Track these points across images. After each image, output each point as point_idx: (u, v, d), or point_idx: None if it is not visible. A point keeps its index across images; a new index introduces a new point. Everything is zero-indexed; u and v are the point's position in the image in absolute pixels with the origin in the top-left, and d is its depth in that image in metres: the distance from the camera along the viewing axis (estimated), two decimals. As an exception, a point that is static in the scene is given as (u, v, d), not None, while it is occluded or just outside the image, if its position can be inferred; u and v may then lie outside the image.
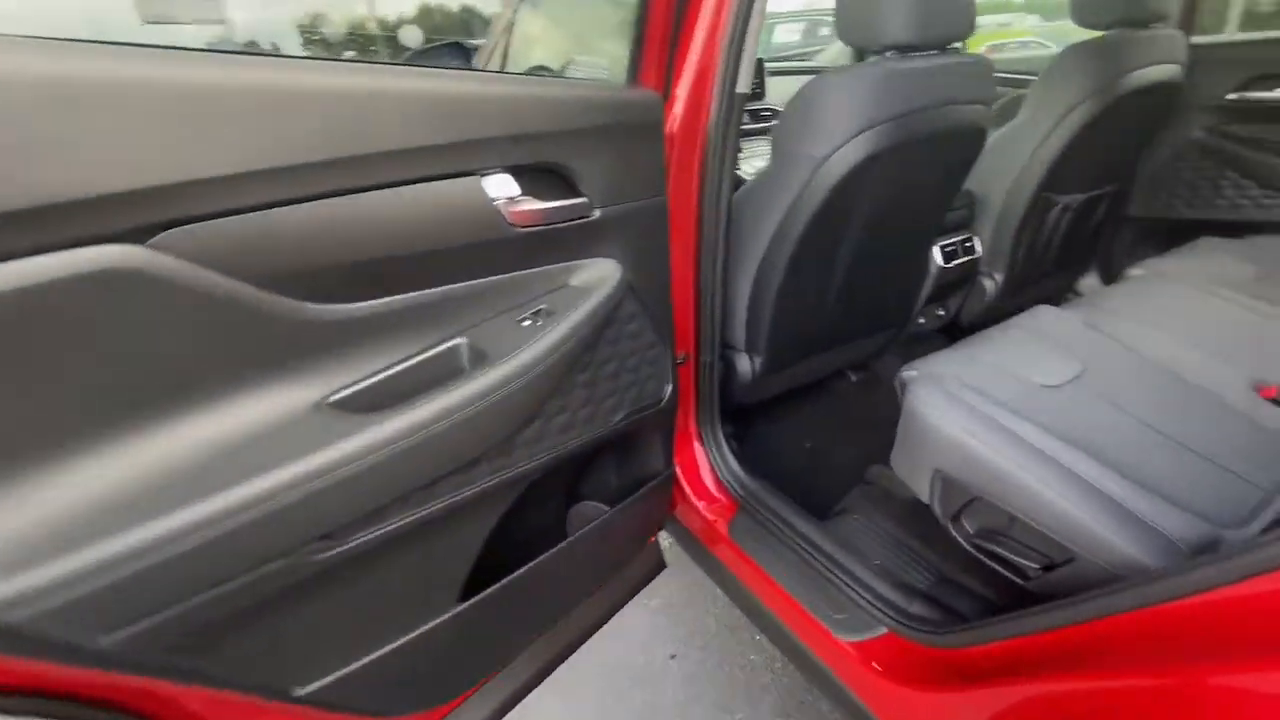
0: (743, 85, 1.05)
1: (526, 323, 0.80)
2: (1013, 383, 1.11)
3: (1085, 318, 1.31)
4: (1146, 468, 0.95)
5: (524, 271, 0.81)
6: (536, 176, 0.81)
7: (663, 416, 1.12)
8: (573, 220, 0.84)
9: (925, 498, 1.09)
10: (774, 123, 2.03)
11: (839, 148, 1.13)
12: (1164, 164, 1.94)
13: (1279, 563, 0.52)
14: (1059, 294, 2.19)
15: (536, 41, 1.94)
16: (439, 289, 0.75)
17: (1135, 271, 1.60)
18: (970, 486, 0.99)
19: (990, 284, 1.84)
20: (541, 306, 0.83)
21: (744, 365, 1.44)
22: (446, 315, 0.76)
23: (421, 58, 1.64)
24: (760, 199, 1.25)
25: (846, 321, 1.56)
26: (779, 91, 2.03)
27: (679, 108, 1.05)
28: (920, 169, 1.31)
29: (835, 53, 3.05)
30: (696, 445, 1.39)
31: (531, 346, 0.77)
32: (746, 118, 1.92)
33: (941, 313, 1.88)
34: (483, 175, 0.74)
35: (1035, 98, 1.65)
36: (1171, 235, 2.01)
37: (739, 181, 1.38)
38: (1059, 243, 1.87)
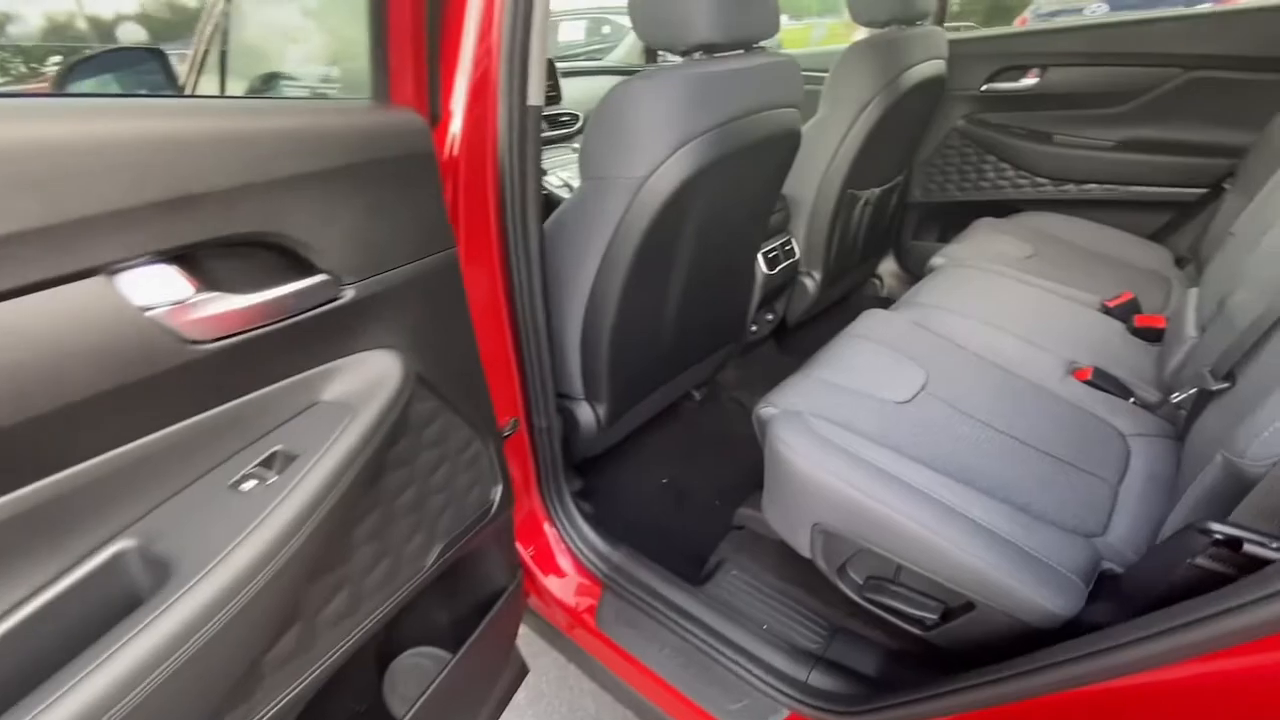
0: (534, 97, 0.83)
1: (249, 485, 0.51)
2: (870, 405, 1.04)
3: (912, 317, 1.30)
4: (1013, 485, 0.91)
5: (226, 407, 0.51)
6: (233, 255, 0.51)
7: (497, 524, 0.87)
8: (308, 311, 0.56)
9: (805, 551, 0.97)
10: (575, 128, 1.87)
11: (659, 166, 0.96)
12: (935, 152, 2.08)
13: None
14: (864, 280, 2.29)
15: (264, 38, 1.53)
16: (63, 474, 0.43)
17: (937, 261, 1.66)
18: (854, 538, 0.89)
19: (810, 283, 1.83)
20: (275, 449, 0.54)
21: (586, 416, 1.23)
22: (90, 510, 0.45)
23: (83, 71, 1.17)
24: (577, 230, 1.04)
25: (687, 346, 1.43)
26: (575, 94, 1.84)
27: (456, 128, 0.79)
28: (743, 179, 1.19)
29: (626, 51, 2.93)
30: (546, 526, 1.16)
31: (261, 525, 0.49)
32: (545, 126, 1.71)
33: (770, 317, 1.83)
34: (116, 272, 0.44)
35: (830, 95, 1.63)
36: (949, 216, 2.19)
37: (550, 204, 1.16)
38: (864, 235, 1.92)
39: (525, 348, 0.97)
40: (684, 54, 1.02)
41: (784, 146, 1.23)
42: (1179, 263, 1.70)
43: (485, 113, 0.80)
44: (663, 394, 1.44)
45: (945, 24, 1.99)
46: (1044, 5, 5.33)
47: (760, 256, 1.62)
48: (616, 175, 0.97)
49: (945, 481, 0.88)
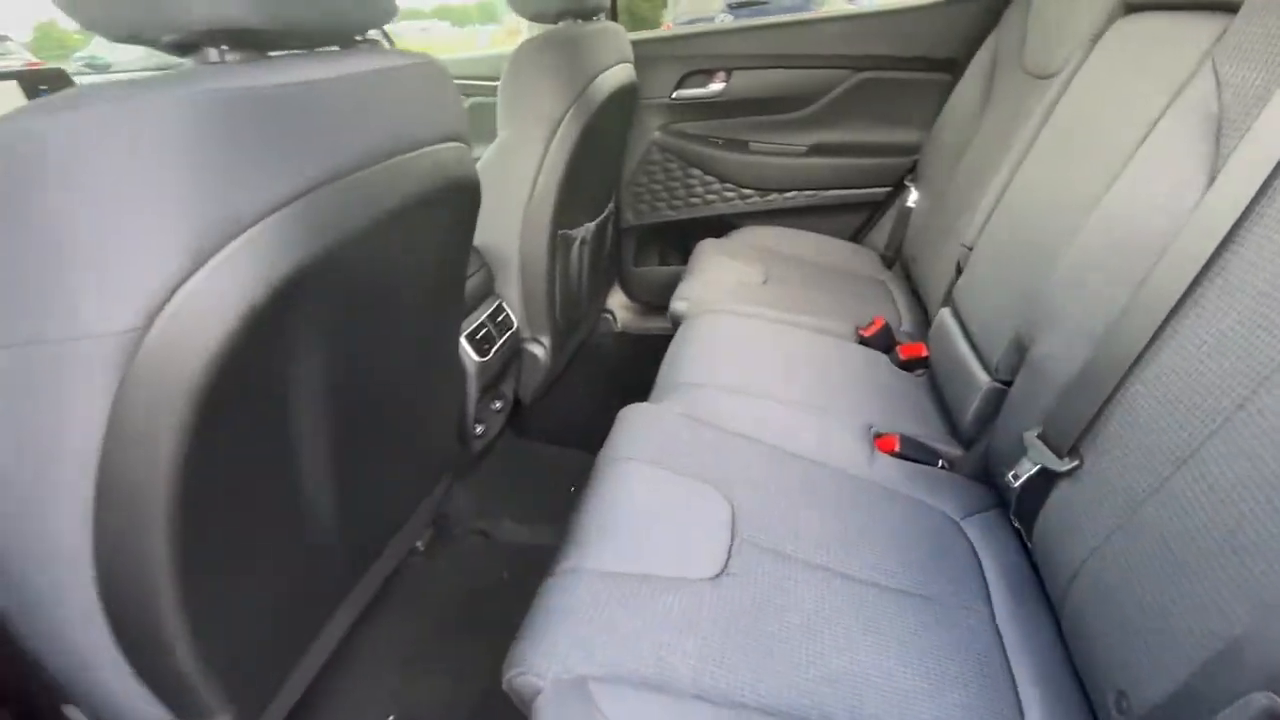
0: None
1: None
2: (672, 606, 0.66)
3: (681, 408, 0.98)
4: (887, 674, 0.63)
5: None
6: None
7: None
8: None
9: None
10: None
11: (178, 286, 0.43)
12: (639, 168, 1.84)
13: None
14: (596, 320, 1.97)
15: None
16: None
17: (679, 306, 1.38)
18: None
19: (540, 350, 1.43)
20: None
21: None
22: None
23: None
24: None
25: (368, 522, 0.90)
26: None
27: None
28: (398, 260, 0.72)
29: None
30: None
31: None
32: None
33: (498, 405, 1.38)
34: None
35: (511, 112, 1.23)
36: (666, 237, 1.98)
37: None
38: (587, 277, 1.58)
39: None
40: (182, 51, 0.50)
41: (455, 201, 0.78)
42: (885, 262, 1.71)
43: None
44: (345, 613, 0.89)
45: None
46: (682, 13, 5.72)
47: (465, 342, 1.16)
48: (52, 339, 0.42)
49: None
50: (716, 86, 1.74)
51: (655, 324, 2.03)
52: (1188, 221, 0.64)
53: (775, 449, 0.91)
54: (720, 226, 1.84)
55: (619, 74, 1.39)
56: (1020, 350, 0.85)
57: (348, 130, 0.58)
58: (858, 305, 1.40)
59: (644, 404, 0.98)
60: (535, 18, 1.32)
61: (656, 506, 0.78)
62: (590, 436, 1.62)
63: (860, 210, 1.80)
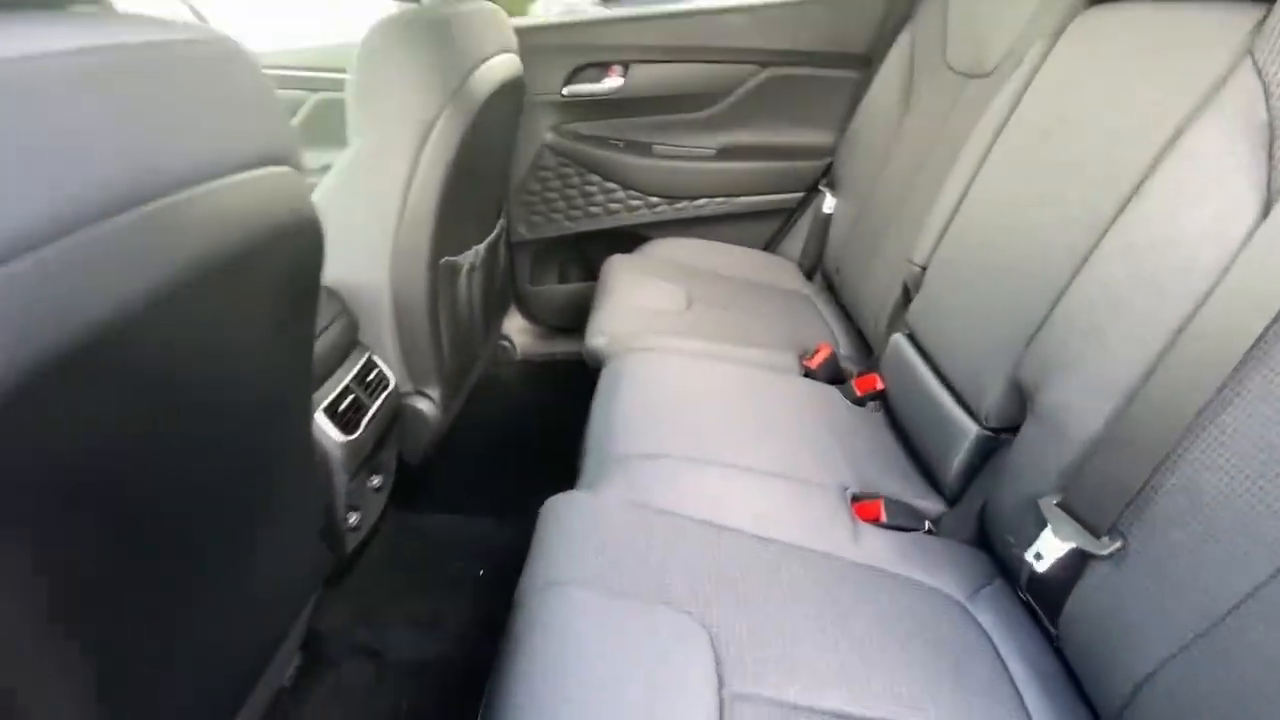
0: None
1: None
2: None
3: (625, 493, 0.77)
4: None
5: None
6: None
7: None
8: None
9: None
10: None
11: None
12: (530, 175, 1.60)
13: None
14: (492, 353, 1.71)
15: None
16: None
17: (597, 342, 1.17)
18: None
19: (427, 405, 1.16)
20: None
21: None
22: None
23: None
24: None
25: (205, 680, 0.61)
26: None
27: None
28: (195, 338, 0.45)
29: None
30: None
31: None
32: None
33: (377, 481, 1.10)
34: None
35: (366, 113, 0.96)
36: (566, 251, 1.76)
37: None
38: (479, 309, 1.32)
39: None
40: None
41: (281, 250, 0.52)
42: (804, 273, 1.59)
43: None
44: None
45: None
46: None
47: (324, 418, 0.88)
48: None
49: None
50: (613, 82, 1.54)
51: (560, 347, 1.81)
52: (1243, 254, 0.52)
53: (745, 537, 0.73)
54: (627, 239, 1.65)
55: (502, 66, 1.15)
56: (1018, 396, 0.72)
57: (100, 145, 0.32)
58: (791, 328, 1.26)
59: (574, 493, 0.76)
60: (390, -8, 1.05)
61: (611, 659, 0.57)
62: (496, 496, 1.38)
63: (773, 218, 1.67)
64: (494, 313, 1.53)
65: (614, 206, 1.65)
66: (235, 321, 0.50)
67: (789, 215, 1.66)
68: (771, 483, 0.81)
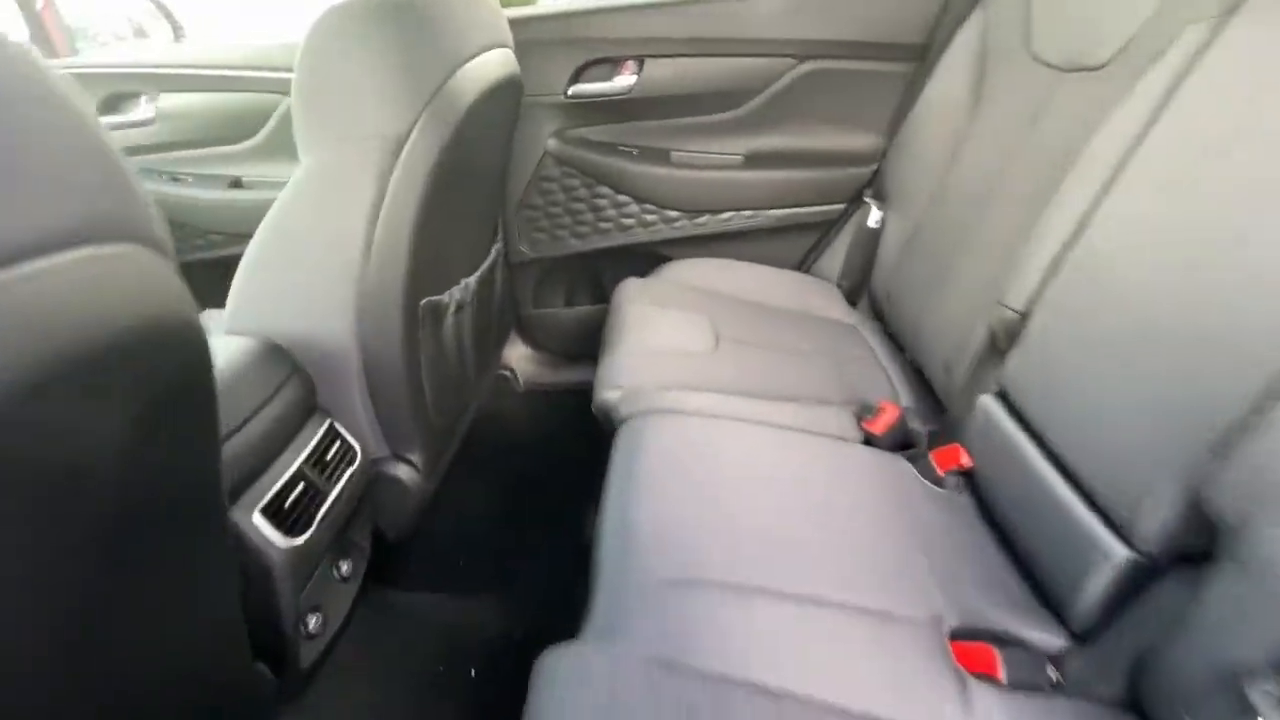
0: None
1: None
2: None
3: (638, 647, 0.57)
4: None
5: None
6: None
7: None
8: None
9: None
10: None
11: None
12: (531, 187, 1.41)
13: None
14: (488, 390, 1.52)
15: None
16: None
17: (609, 396, 0.97)
18: None
19: (407, 471, 0.97)
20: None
21: None
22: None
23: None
24: None
25: None
26: None
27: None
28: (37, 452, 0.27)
29: None
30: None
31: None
32: None
33: (346, 567, 0.91)
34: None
35: (316, 125, 0.76)
36: (572, 271, 1.56)
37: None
38: (472, 347, 1.13)
39: None
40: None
41: (122, 350, 0.33)
42: (846, 297, 1.39)
43: None
44: None
45: None
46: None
47: (262, 521, 0.69)
48: None
49: None
50: (625, 80, 1.33)
51: (567, 376, 1.61)
52: None
53: (814, 709, 0.53)
54: (641, 258, 1.45)
55: (494, 63, 0.95)
56: (1199, 518, 0.52)
57: None
58: (841, 372, 1.05)
59: (579, 648, 0.57)
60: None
61: None
62: (495, 563, 1.20)
63: (809, 233, 1.46)
64: (491, 347, 1.34)
65: (626, 222, 1.44)
66: (71, 432, 0.32)
67: (827, 230, 1.46)
68: (843, 619, 0.61)
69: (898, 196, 1.26)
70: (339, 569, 0.90)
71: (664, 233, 1.45)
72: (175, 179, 1.46)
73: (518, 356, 1.64)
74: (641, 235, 1.45)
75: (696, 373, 0.99)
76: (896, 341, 1.18)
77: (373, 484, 0.94)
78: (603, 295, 1.53)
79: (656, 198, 1.41)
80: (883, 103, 1.31)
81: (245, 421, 0.69)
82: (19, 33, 1.48)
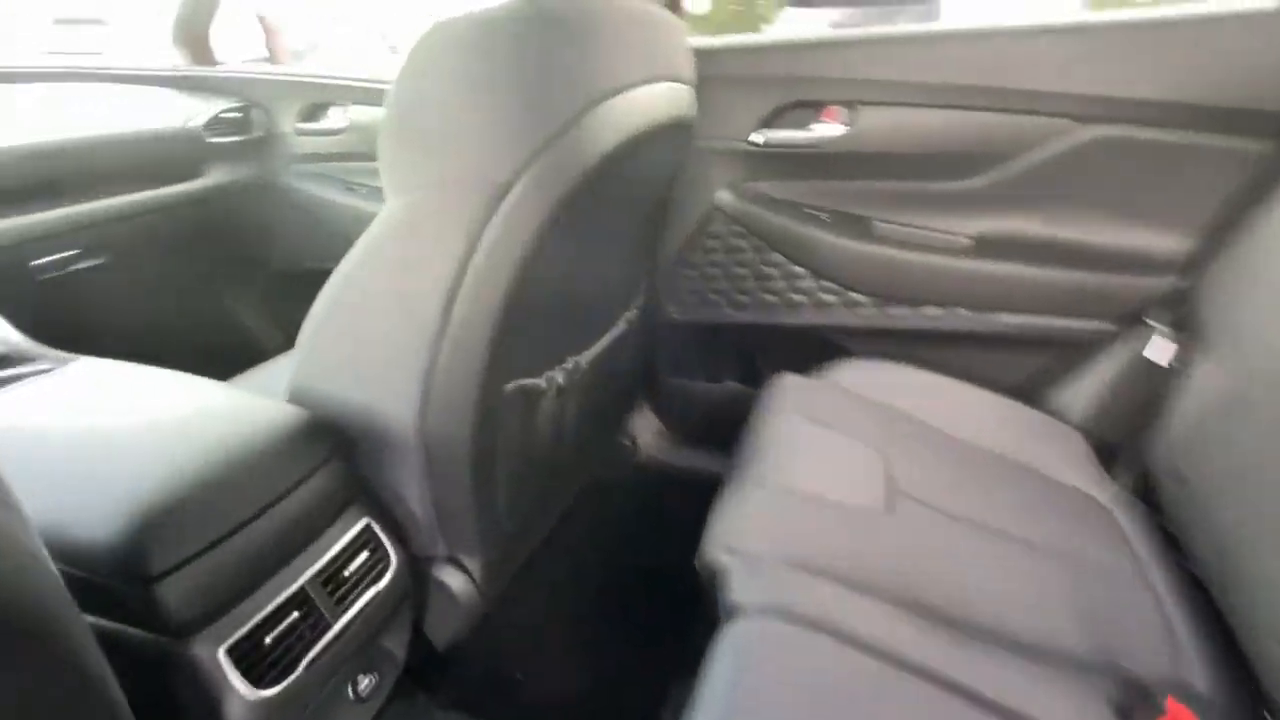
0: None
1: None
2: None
3: None
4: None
5: None
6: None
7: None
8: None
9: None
10: None
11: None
12: (690, 243, 1.19)
13: None
14: (592, 467, 1.31)
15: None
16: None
17: (719, 559, 0.70)
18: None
19: (460, 581, 0.78)
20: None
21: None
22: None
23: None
24: None
25: None
26: None
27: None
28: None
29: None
30: None
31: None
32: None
33: (366, 683, 0.74)
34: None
35: (404, 163, 0.61)
36: (719, 341, 1.31)
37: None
38: (575, 429, 0.93)
39: None
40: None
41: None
42: (1099, 457, 0.98)
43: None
44: None
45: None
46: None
47: (223, 658, 0.53)
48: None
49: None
50: (829, 130, 1.07)
51: (694, 460, 1.37)
52: None
53: None
54: (808, 344, 1.17)
55: (660, 100, 0.75)
56: None
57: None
58: (1087, 598, 0.68)
59: None
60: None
61: None
62: (563, 687, 0.98)
63: (1048, 351, 1.08)
64: (607, 424, 1.14)
65: (796, 298, 1.17)
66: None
67: (1078, 353, 1.06)
68: None
69: (1217, 330, 0.84)
70: (354, 686, 0.73)
71: (843, 319, 1.15)
72: (350, 188, 1.47)
73: (642, 425, 1.42)
74: (813, 318, 1.17)
75: (853, 554, 0.69)
76: (1185, 550, 0.77)
77: (418, 583, 0.77)
78: (753, 376, 1.27)
79: (842, 276, 1.12)
80: (1208, 191, 0.90)
81: (241, 525, 0.54)
82: (258, 48, 1.61)
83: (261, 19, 1.53)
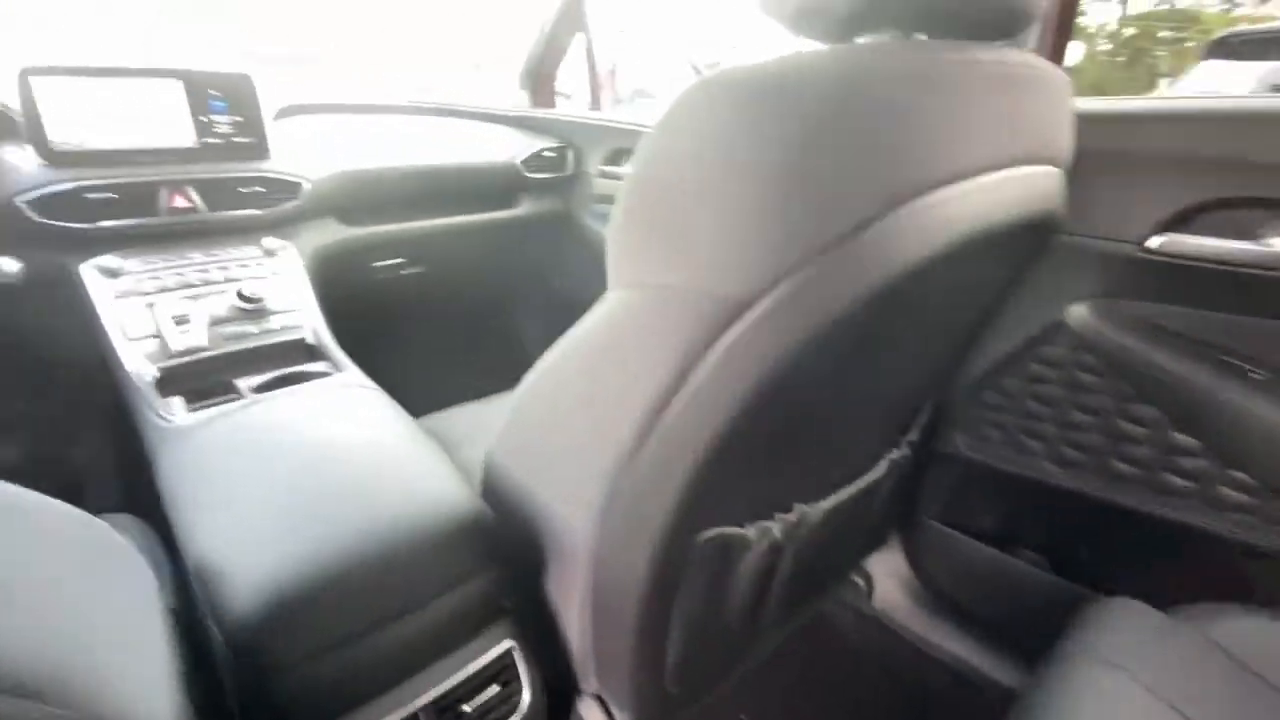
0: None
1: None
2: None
3: None
4: None
5: None
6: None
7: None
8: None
9: None
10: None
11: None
12: (1012, 362, 0.88)
13: None
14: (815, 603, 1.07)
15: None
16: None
17: None
18: None
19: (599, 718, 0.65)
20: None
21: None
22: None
23: None
24: None
25: None
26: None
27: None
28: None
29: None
30: None
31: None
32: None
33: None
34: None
35: (632, 247, 0.49)
36: (1021, 494, 0.97)
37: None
38: (788, 586, 0.72)
39: None
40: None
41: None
42: None
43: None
44: None
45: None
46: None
47: None
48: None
49: None
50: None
51: (939, 635, 1.05)
52: None
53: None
54: (1165, 549, 0.78)
55: (1014, 191, 0.51)
56: None
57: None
58: None
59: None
60: (845, 29, 0.52)
61: None
62: None
63: None
64: (832, 574, 0.90)
65: (1165, 478, 0.78)
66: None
67: None
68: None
69: None
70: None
71: (1246, 534, 0.73)
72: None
73: (883, 570, 1.13)
74: (1191, 514, 0.77)
75: None
76: None
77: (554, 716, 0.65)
78: (1055, 556, 0.91)
79: (1263, 467, 0.71)
80: None
81: (375, 625, 0.48)
82: (582, 93, 1.71)
83: (591, 68, 1.63)
